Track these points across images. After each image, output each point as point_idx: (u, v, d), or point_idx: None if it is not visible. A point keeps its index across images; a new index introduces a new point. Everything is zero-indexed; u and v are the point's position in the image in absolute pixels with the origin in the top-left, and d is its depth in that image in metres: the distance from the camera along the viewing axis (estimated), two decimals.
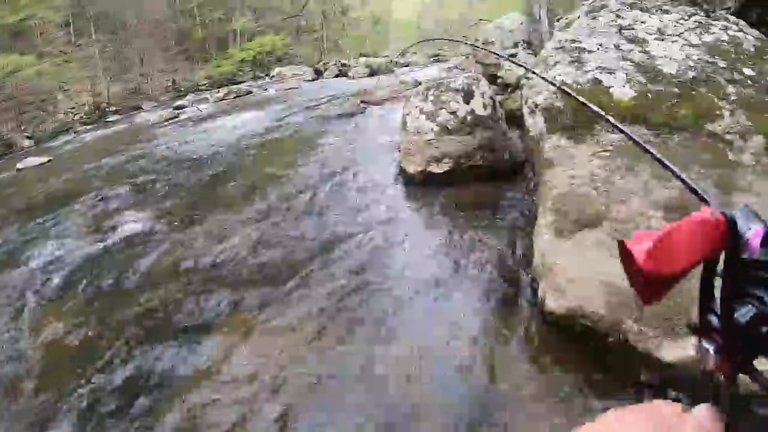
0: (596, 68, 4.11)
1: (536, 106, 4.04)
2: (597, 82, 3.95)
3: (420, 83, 12.01)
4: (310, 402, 2.79)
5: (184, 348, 3.36)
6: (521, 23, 13.31)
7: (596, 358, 2.76)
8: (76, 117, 21.03)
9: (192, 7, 33.86)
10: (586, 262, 2.92)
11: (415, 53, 30.50)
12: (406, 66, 23.94)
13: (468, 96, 5.43)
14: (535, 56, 11.05)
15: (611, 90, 3.84)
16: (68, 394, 3.10)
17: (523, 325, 3.12)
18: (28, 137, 17.88)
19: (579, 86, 3.91)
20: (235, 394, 2.89)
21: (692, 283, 0.58)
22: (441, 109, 5.44)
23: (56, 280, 4.60)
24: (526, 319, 3.17)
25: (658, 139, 3.43)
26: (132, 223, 5.55)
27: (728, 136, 3.41)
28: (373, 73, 20.46)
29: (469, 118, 5.34)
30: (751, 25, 4.88)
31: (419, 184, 5.36)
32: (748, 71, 3.97)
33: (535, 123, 3.98)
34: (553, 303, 2.89)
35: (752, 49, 4.28)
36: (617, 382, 2.63)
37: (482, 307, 3.37)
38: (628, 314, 2.67)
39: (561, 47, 4.54)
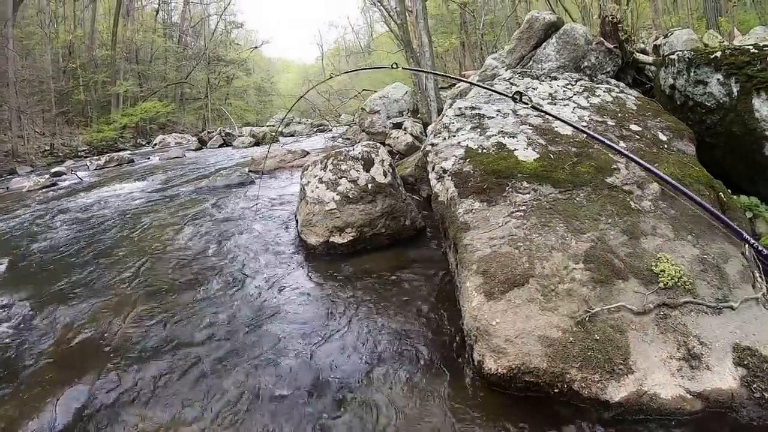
0: (498, 133, 4.22)
1: (444, 171, 4.04)
2: (501, 146, 4.04)
3: (308, 152, 12.01)
4: None
5: None
6: (405, 93, 13.70)
7: (544, 412, 2.69)
8: None
9: (75, 68, 32.30)
10: (521, 320, 2.86)
11: (299, 123, 30.77)
12: (291, 135, 24.15)
13: (368, 164, 5.38)
14: (423, 125, 11.40)
15: (515, 152, 3.94)
16: None
17: (462, 392, 2.94)
18: None
19: (484, 150, 3.97)
20: None
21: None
22: (341, 177, 5.33)
23: None
24: (464, 385, 2.99)
25: (564, 196, 3.54)
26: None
27: (626, 187, 3.63)
28: (257, 143, 20.38)
29: (370, 186, 5.27)
30: (629, 86, 5.23)
31: (321, 256, 5.07)
32: (634, 127, 4.30)
33: (444, 188, 3.96)
34: (493, 364, 2.76)
35: (634, 107, 4.68)
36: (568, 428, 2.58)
37: (415, 381, 3.12)
38: (570, 364, 2.67)
39: (461, 114, 4.62)
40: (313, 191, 5.36)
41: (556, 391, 2.68)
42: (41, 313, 4.41)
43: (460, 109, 4.73)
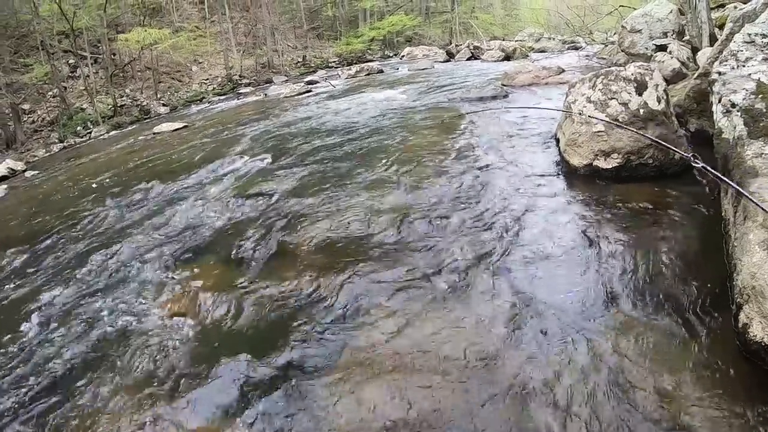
0: None
1: (733, 105, 3.68)
2: None
3: (563, 69, 11.60)
4: None
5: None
6: (670, 12, 12.52)
7: None
8: (210, 88, 21.97)
9: None
10: None
11: (550, 39, 29.64)
12: (542, 51, 23.34)
13: (641, 87, 5.04)
14: (691, 49, 10.41)
15: None
16: None
17: (714, 356, 2.77)
18: (163, 105, 18.87)
19: None
20: None
21: None
22: (611, 99, 5.07)
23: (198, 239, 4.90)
24: (718, 349, 2.81)
25: None
26: (274, 193, 5.70)
27: None
28: (507, 57, 20.05)
29: (641, 111, 4.95)
30: None
31: (583, 178, 5.03)
32: None
33: (731, 124, 3.62)
34: (760, 331, 2.55)
35: None
36: None
37: (662, 323, 3.03)
38: None
39: (751, 41, 4.11)
40: (580, 110, 5.20)
41: None
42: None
43: (749, 35, 4.21)
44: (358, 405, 2.71)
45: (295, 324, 3.44)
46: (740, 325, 2.70)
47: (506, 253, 3.98)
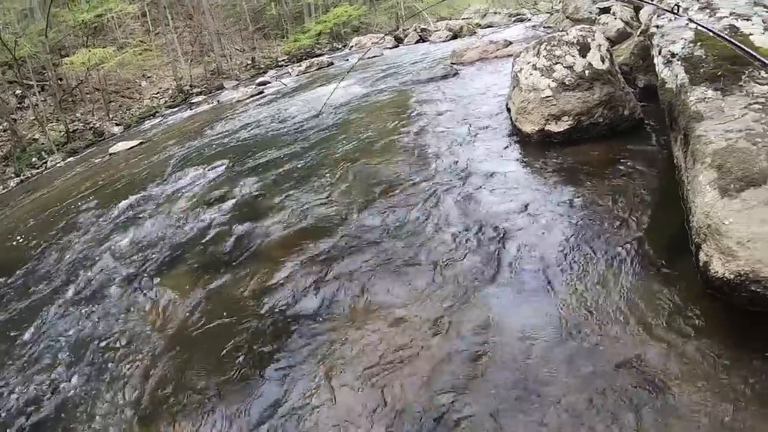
0: (730, 14, 3.82)
1: (673, 55, 3.78)
2: (734, 29, 3.67)
3: (510, 42, 11.72)
4: None
5: None
6: None
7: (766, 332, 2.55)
8: (161, 101, 21.75)
9: None
10: (756, 223, 2.63)
11: (495, 13, 29.88)
12: (489, 27, 23.57)
13: (584, 49, 5.14)
14: (633, 8, 10.58)
15: (751, 37, 3.56)
16: None
17: (679, 296, 2.89)
18: (117, 124, 18.64)
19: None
20: None
21: None
22: (556, 64, 5.17)
23: (165, 251, 4.93)
24: (682, 289, 2.92)
25: None
26: (236, 194, 5.78)
27: None
28: (455, 36, 20.31)
29: (587, 72, 5.05)
30: None
31: (537, 144, 5.16)
32: None
33: (673, 74, 3.72)
34: (720, 267, 2.65)
35: None
36: None
37: (628, 272, 3.15)
38: None
39: None
40: (527, 78, 5.33)
41: None
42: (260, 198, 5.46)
43: None
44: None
45: (269, 313, 3.57)
46: (701, 264, 2.79)
47: (466, 217, 4.14)
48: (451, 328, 3.02)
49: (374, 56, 17.19)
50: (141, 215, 5.99)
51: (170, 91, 22.86)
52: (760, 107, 3.13)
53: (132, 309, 4.13)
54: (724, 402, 2.26)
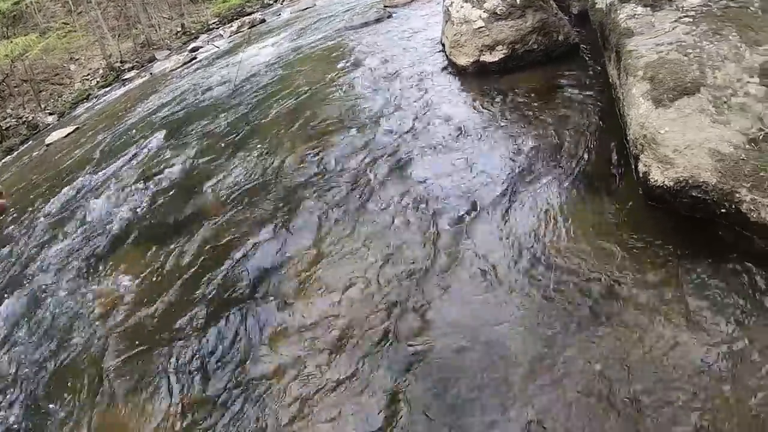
0: None
1: None
2: None
3: None
4: None
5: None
6: None
7: (706, 235, 2.60)
8: (93, 83, 21.08)
9: None
10: (691, 130, 2.68)
11: None
12: None
13: None
14: None
15: None
16: None
17: (622, 208, 2.93)
18: (50, 113, 18.04)
19: None
20: None
21: None
22: None
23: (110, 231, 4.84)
24: (624, 201, 2.96)
25: (737, 3, 3.16)
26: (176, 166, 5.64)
27: None
28: None
29: (518, 0, 4.99)
30: None
31: (473, 75, 5.11)
32: None
33: None
34: (659, 175, 2.67)
35: None
36: (731, 257, 2.46)
37: (572, 192, 3.18)
38: (740, 182, 2.48)
39: None
40: (458, 11, 5.26)
41: (722, 211, 2.55)
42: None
43: None
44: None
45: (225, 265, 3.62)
46: (641, 175, 2.82)
47: (406, 148, 4.16)
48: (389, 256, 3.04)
49: (306, 8, 16.79)
50: (81, 201, 5.81)
51: (101, 71, 22.11)
52: (691, 20, 3.17)
53: (82, 290, 4.08)
54: (672, 303, 2.33)
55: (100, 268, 4.29)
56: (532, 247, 2.88)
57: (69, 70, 23.00)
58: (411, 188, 3.68)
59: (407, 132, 4.39)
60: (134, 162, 6.33)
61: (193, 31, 25.75)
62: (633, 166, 2.98)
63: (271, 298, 3.20)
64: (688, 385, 2.01)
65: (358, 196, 3.80)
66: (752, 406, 1.88)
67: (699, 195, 2.59)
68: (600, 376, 2.15)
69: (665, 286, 2.41)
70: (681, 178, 2.61)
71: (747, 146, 2.55)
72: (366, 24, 9.08)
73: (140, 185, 5.47)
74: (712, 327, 2.17)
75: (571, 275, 2.63)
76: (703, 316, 2.22)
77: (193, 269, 3.73)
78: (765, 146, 2.55)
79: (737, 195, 2.50)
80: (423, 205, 3.47)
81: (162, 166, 5.74)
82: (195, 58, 14.01)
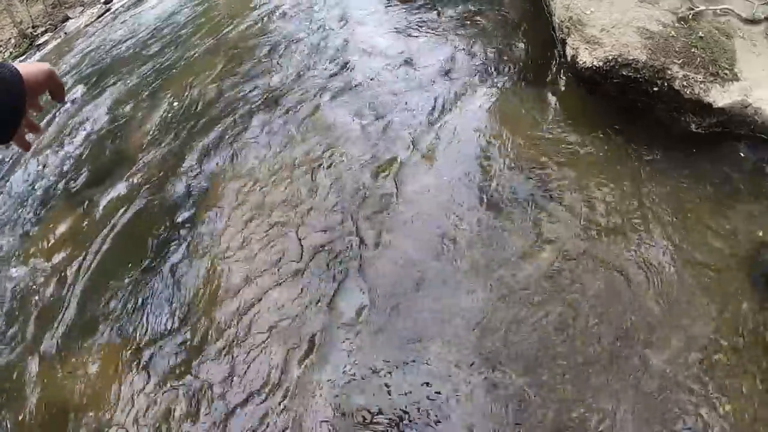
0: None
1: None
2: None
3: None
4: None
5: None
6: None
7: (639, 113, 2.62)
8: (6, 54, 20.09)
9: None
10: (618, 10, 2.67)
11: None
12: None
13: None
14: None
15: None
16: None
17: (554, 95, 2.90)
18: None
19: None
20: None
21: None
22: None
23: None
24: (555, 88, 2.94)
25: None
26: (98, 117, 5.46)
27: None
28: None
29: None
30: None
31: None
32: None
33: None
34: (588, 56, 2.62)
35: None
36: (665, 135, 2.51)
37: (505, 85, 3.11)
38: (671, 59, 2.48)
39: None
40: None
41: (654, 89, 2.53)
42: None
43: None
44: None
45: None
46: (569, 58, 2.78)
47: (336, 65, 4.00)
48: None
49: None
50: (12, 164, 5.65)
51: (13, 40, 21.12)
52: None
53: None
54: (601, 177, 2.41)
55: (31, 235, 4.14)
56: (471, 141, 2.85)
57: None
58: (346, 99, 3.55)
59: (337, 48, 4.21)
60: (55, 121, 6.12)
61: None
62: (562, 51, 2.92)
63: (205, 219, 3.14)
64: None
65: (283, 113, 3.72)
66: None
67: (630, 74, 2.57)
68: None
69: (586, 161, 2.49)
70: (610, 57, 2.57)
71: (677, 24, 2.56)
72: None
73: (61, 144, 5.27)
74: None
75: (509, 165, 2.63)
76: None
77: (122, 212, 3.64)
78: (695, 25, 2.52)
79: (669, 72, 2.49)
80: (367, 110, 3.36)
81: (83, 118, 5.54)
82: (110, 9, 13.40)
